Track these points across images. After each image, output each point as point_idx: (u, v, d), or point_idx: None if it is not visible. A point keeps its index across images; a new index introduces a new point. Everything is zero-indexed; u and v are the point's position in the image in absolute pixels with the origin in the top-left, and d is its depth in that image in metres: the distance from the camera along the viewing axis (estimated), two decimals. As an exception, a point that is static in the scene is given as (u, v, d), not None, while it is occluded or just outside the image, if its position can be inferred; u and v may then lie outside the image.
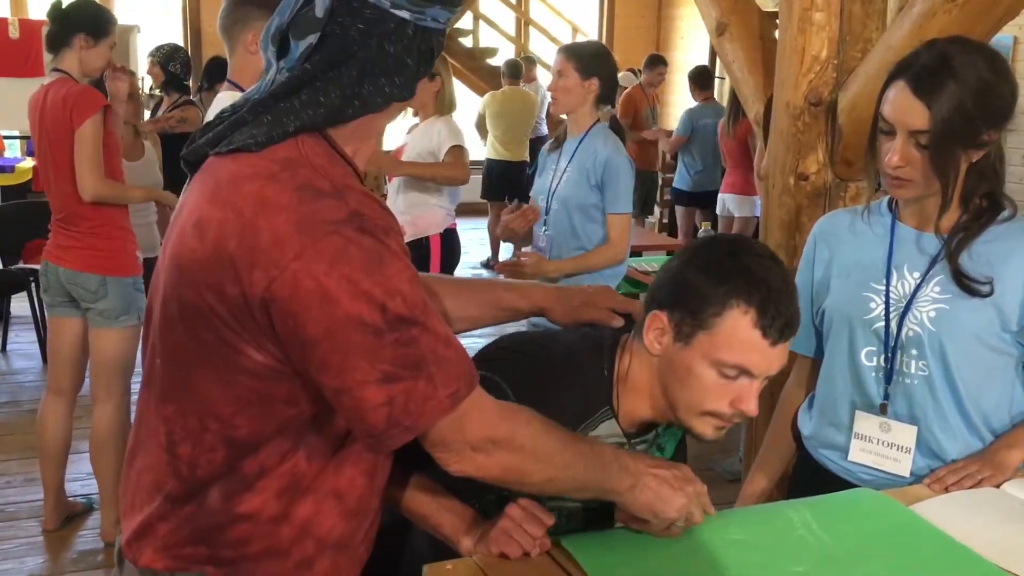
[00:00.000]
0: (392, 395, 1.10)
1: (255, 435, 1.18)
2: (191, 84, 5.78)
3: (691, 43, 11.02)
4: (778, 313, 1.30)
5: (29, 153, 7.87)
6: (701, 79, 7.51)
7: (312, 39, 1.15)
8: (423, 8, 1.16)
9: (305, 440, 1.20)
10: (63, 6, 3.25)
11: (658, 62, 8.33)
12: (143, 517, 1.25)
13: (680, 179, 7.37)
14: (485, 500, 1.38)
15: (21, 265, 5.43)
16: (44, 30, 3.36)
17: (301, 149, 1.16)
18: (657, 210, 8.89)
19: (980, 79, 1.56)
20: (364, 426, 1.13)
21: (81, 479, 3.83)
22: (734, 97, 6.07)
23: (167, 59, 5.32)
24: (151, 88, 5.63)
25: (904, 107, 1.59)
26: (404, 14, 1.15)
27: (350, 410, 1.12)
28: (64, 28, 3.21)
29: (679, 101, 11.10)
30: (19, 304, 5.65)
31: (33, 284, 5.29)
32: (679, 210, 7.51)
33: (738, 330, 1.30)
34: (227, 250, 1.11)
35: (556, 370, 1.41)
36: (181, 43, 9.12)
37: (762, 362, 1.32)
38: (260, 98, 1.18)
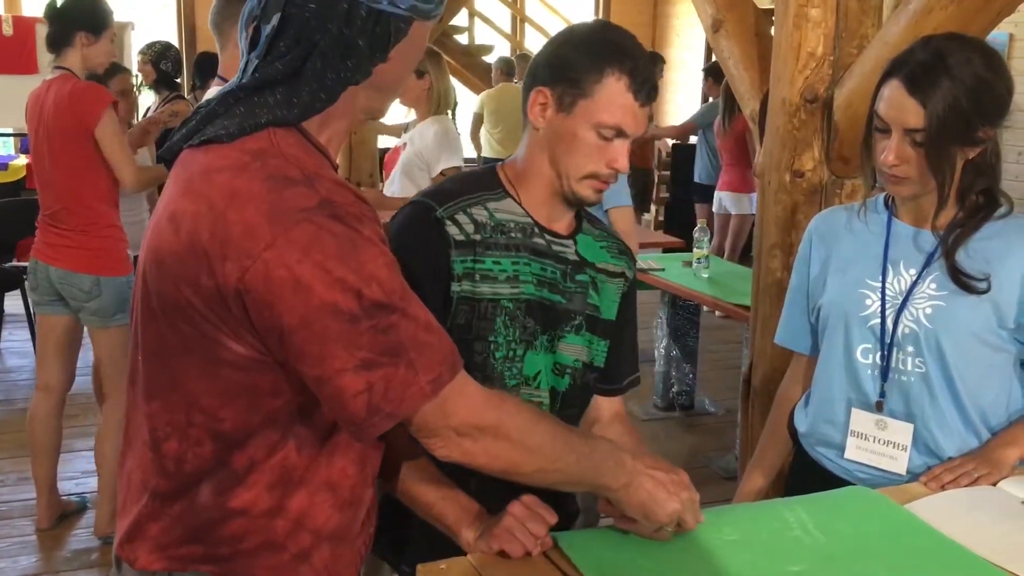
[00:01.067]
0: (371, 382, 1.09)
1: (241, 427, 1.17)
2: (184, 82, 5.76)
3: (687, 40, 11.02)
4: (645, 79, 1.48)
5: (23, 150, 7.84)
6: (719, 73, 7.43)
7: (275, 20, 1.14)
8: None
9: (293, 431, 1.20)
10: (59, 5, 3.25)
11: (658, 60, 8.32)
12: (133, 517, 1.24)
13: (705, 173, 7.18)
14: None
15: (15, 263, 5.41)
16: (44, 31, 3.36)
17: (273, 139, 1.15)
18: (653, 207, 8.88)
19: (975, 76, 1.56)
20: (345, 414, 1.12)
21: (75, 478, 3.83)
22: (729, 94, 6.07)
23: (158, 57, 5.30)
24: (140, 84, 5.61)
25: (899, 105, 1.59)
26: None
27: (330, 398, 1.12)
28: (64, 27, 3.22)
29: (675, 98, 11.11)
30: (12, 302, 5.63)
31: (27, 282, 5.27)
32: (699, 206, 7.26)
33: (614, 94, 1.47)
34: (200, 242, 1.10)
35: (456, 177, 1.69)
36: (175, 39, 9.11)
37: (633, 122, 1.49)
38: (232, 89, 1.18)
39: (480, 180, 1.59)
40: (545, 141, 1.52)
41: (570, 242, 1.60)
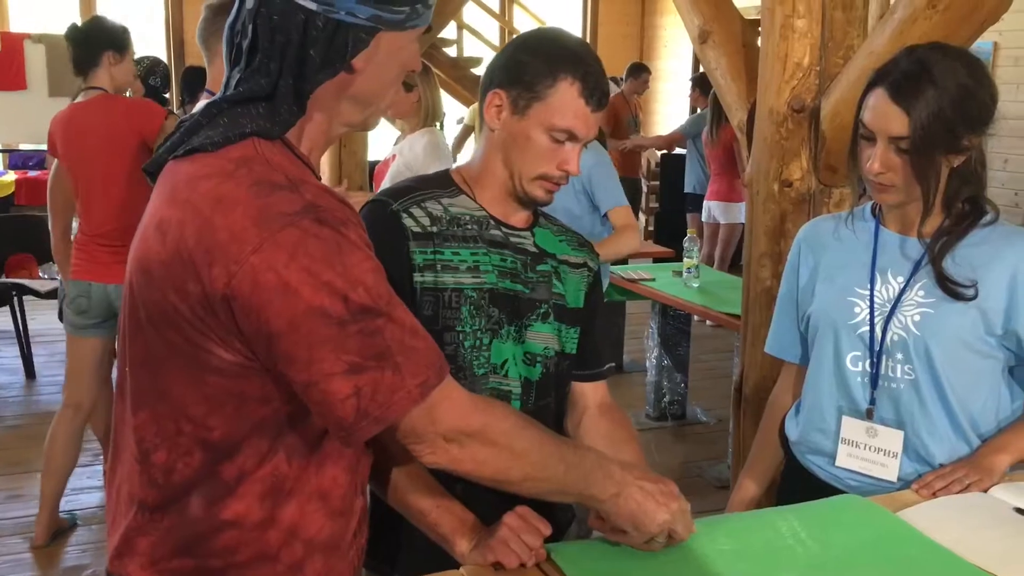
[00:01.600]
0: (359, 386, 1.10)
1: (230, 436, 1.17)
2: (172, 97, 5.77)
3: (674, 51, 11.06)
4: (596, 85, 1.53)
5: (12, 166, 7.82)
6: (707, 84, 7.45)
7: (248, 33, 1.16)
8: None
9: (283, 440, 1.19)
10: (81, 27, 3.36)
11: (642, 70, 8.35)
12: (122, 532, 1.23)
13: (697, 183, 7.15)
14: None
15: (4, 279, 5.39)
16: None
17: (258, 148, 1.16)
18: (642, 217, 8.89)
19: (959, 85, 1.57)
20: (333, 419, 1.12)
21: (67, 495, 3.80)
22: (716, 104, 6.09)
23: (147, 73, 5.31)
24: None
25: (884, 114, 1.60)
26: (311, 5, 1.14)
27: (319, 403, 1.12)
28: (90, 49, 3.32)
29: (663, 109, 11.15)
30: (2, 319, 5.60)
31: (16, 298, 5.25)
32: (691, 216, 7.24)
33: (567, 99, 1.51)
34: (187, 249, 1.10)
35: (410, 178, 1.70)
36: (164, 54, 9.12)
37: (584, 126, 1.53)
38: (216, 102, 1.19)
39: (433, 180, 1.63)
40: (499, 142, 1.57)
41: (527, 234, 1.63)
